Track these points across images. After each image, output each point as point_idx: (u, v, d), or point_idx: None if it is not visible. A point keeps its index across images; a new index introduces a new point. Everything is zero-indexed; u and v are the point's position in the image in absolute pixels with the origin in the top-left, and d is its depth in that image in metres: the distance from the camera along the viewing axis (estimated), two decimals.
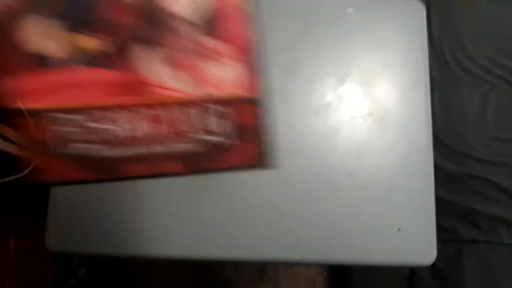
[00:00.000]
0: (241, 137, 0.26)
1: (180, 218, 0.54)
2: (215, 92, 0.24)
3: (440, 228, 0.58)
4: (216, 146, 0.25)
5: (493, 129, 0.93)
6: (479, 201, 0.89)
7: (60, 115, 0.22)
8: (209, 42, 0.23)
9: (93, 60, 0.22)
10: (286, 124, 0.58)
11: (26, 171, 0.24)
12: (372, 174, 0.58)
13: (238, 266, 1.19)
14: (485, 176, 0.90)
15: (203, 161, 0.26)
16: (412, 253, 0.56)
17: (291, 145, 0.57)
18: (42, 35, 0.20)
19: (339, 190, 0.57)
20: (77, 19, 0.21)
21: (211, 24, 0.23)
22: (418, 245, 0.56)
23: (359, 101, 0.60)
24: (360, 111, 0.60)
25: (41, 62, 0.22)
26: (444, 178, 0.89)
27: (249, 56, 0.24)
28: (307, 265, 1.15)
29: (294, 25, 0.61)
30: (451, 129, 0.94)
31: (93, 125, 0.23)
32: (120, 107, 0.23)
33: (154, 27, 0.22)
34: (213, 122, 0.24)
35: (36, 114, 0.22)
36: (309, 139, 0.57)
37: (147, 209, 0.53)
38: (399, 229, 0.56)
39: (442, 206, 0.67)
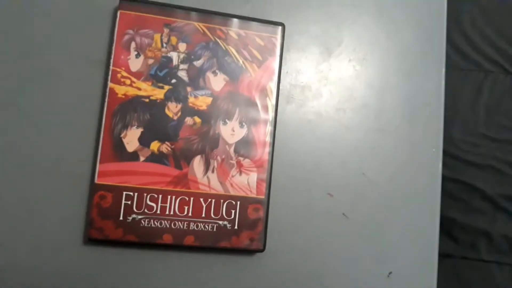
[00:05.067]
0: (243, 225, 0.37)
1: None
2: (232, 191, 0.37)
3: None
4: (223, 229, 0.37)
5: (483, 125, 0.79)
6: (459, 210, 0.76)
7: (126, 192, 0.36)
8: (238, 158, 0.37)
9: (158, 158, 0.37)
10: None
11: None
12: (359, 194, 0.40)
13: None
14: (469, 181, 0.76)
15: (211, 239, 0.37)
16: None
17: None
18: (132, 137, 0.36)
19: (313, 217, 0.39)
20: (158, 133, 0.37)
21: (242, 147, 0.38)
22: None
23: (350, 84, 0.42)
24: (350, 100, 0.41)
25: (121, 154, 0.36)
26: None
27: (262, 170, 0.38)
28: None
29: None
30: None
31: (148, 202, 0.36)
32: (169, 193, 0.36)
33: (208, 145, 0.37)
34: (224, 211, 0.37)
35: (110, 188, 0.36)
36: (277, 135, 0.38)
37: None
38: (389, 274, 0.40)
39: None
